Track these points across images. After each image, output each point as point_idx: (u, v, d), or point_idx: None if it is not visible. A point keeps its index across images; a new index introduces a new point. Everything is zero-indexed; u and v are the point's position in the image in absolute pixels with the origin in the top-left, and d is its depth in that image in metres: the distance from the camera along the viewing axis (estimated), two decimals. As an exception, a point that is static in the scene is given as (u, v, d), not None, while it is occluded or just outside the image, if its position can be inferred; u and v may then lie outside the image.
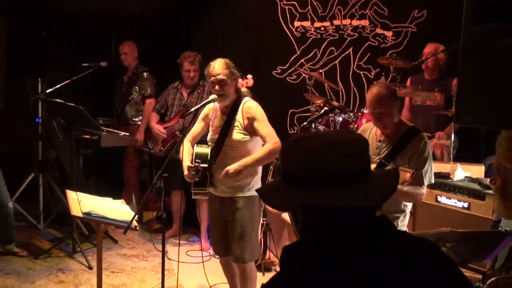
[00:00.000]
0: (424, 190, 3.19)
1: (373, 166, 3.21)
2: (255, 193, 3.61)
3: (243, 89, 3.82)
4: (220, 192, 3.68)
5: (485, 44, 3.42)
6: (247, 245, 3.62)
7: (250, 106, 3.63)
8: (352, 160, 1.27)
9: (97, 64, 5.53)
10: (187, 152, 3.76)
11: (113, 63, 6.09)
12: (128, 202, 5.20)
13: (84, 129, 5.07)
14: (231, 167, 3.49)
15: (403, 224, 3.31)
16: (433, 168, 3.27)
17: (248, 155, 3.57)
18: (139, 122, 5.90)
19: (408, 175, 2.91)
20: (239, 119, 3.60)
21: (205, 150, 3.70)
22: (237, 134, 3.59)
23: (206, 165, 3.63)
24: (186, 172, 3.64)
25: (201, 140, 3.87)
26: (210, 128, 3.77)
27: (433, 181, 3.32)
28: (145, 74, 5.93)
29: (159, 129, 5.50)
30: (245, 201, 3.63)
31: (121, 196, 5.37)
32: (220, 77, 3.59)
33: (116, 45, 6.27)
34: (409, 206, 3.32)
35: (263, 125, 3.57)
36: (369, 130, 3.45)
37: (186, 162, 3.68)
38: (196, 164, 3.61)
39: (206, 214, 5.46)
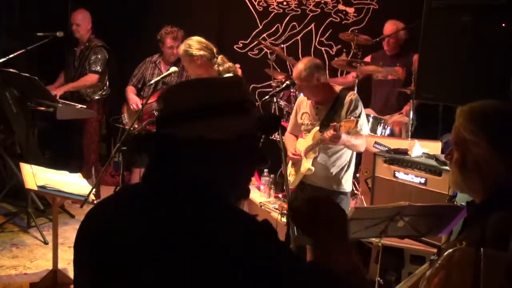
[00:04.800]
0: (365, 140, 3.68)
1: (316, 128, 3.65)
2: None
3: (226, 65, 3.80)
4: None
5: (446, 20, 3.48)
6: None
7: None
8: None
9: (53, 34, 5.32)
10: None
11: (70, 32, 5.85)
12: (88, 176, 5.11)
13: (39, 100, 4.90)
14: None
15: (346, 176, 3.75)
16: (365, 119, 3.76)
17: None
18: (97, 97, 5.70)
19: (352, 124, 3.26)
20: None
21: None
22: None
23: None
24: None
25: None
26: None
27: (368, 132, 3.97)
28: (97, 48, 5.65)
29: (136, 102, 5.26)
30: None
31: (80, 170, 5.26)
32: (182, 63, 3.79)
33: (72, 11, 6.01)
34: (352, 162, 3.80)
35: None
36: (305, 100, 3.85)
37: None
38: None
39: None
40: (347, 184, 3.76)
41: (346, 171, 3.74)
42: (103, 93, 5.72)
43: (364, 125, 3.64)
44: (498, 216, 1.55)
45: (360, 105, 3.61)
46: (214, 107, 1.19)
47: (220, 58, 3.81)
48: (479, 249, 1.31)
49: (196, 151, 1.19)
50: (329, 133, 3.35)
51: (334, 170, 3.71)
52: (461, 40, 3.29)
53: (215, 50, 3.82)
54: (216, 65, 3.77)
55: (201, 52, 3.73)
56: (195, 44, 3.76)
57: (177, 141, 1.18)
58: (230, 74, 3.74)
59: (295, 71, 3.64)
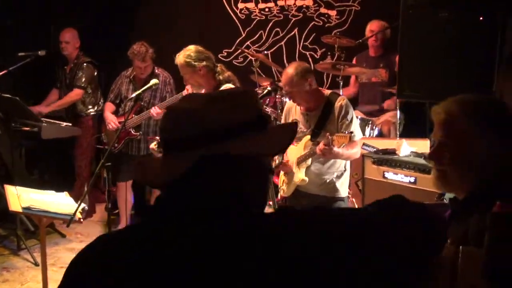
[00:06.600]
0: (359, 145, 3.63)
1: (307, 137, 3.56)
2: None
3: (226, 74, 3.81)
4: None
5: (423, 17, 3.46)
6: None
7: None
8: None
9: (34, 53, 5.26)
10: None
11: (53, 51, 5.79)
12: (79, 193, 5.04)
13: (24, 121, 4.85)
14: None
15: (342, 181, 3.67)
16: (357, 123, 3.68)
17: None
18: (92, 113, 5.63)
19: (346, 140, 3.20)
20: None
21: None
22: None
23: None
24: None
25: None
26: None
27: (362, 135, 3.83)
28: (84, 64, 5.55)
29: (112, 120, 5.10)
30: None
31: (72, 189, 5.18)
32: (183, 74, 3.75)
33: (56, 31, 5.96)
34: (347, 166, 3.71)
35: None
36: (294, 106, 3.72)
37: None
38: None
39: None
40: (342, 188, 3.67)
41: (341, 176, 3.66)
42: (98, 108, 5.64)
43: (357, 130, 3.55)
44: (480, 213, 1.52)
45: (351, 109, 3.54)
46: (243, 124, 1.12)
47: (219, 67, 3.80)
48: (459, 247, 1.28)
49: (226, 169, 1.12)
50: (321, 146, 3.29)
51: (328, 177, 3.62)
52: (441, 36, 3.27)
53: (214, 58, 3.83)
54: (216, 74, 3.77)
55: (204, 63, 3.71)
56: (195, 54, 3.72)
57: (206, 161, 1.10)
58: (230, 84, 3.71)
59: (285, 77, 3.49)
